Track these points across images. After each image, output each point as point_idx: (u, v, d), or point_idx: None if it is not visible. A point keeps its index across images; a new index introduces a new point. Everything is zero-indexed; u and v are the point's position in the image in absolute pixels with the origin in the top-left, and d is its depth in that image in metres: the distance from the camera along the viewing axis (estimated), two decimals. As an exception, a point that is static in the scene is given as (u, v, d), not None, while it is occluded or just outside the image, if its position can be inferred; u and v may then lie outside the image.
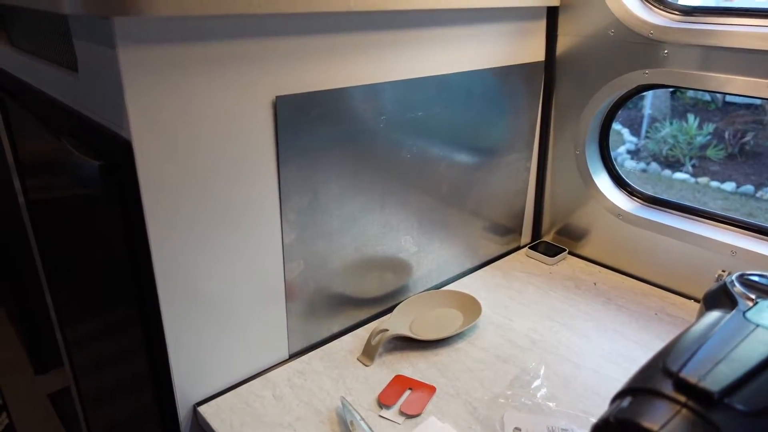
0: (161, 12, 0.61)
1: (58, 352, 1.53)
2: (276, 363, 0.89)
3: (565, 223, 1.25)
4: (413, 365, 0.88)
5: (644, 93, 1.10)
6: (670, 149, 4.75)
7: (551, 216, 1.27)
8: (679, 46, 0.97)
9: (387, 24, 0.84)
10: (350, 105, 0.84)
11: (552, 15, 1.11)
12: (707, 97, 4.81)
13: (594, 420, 0.76)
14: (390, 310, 0.99)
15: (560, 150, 1.20)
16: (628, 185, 1.16)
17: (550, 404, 0.80)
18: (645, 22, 1.00)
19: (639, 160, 4.87)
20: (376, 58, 0.85)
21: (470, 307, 1.00)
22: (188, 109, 0.68)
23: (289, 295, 0.87)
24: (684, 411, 0.45)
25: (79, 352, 1.31)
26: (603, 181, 1.17)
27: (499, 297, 1.07)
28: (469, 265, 1.17)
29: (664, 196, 1.12)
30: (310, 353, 0.92)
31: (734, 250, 0.98)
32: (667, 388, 0.47)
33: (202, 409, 0.81)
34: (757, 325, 0.54)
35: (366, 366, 0.88)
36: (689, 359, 0.49)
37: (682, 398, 0.46)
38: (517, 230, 1.27)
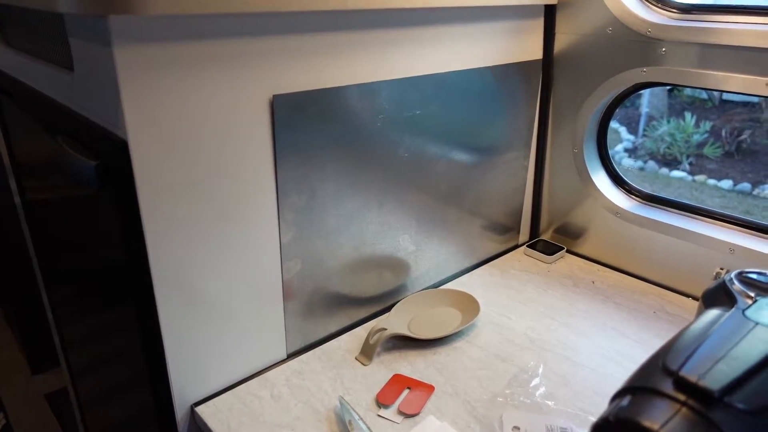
0: (157, 11, 0.60)
1: (54, 352, 1.52)
2: (274, 363, 0.89)
3: (563, 222, 1.25)
4: (411, 364, 0.88)
5: (641, 91, 1.10)
6: (668, 147, 4.76)
7: (549, 214, 1.27)
8: (677, 43, 0.97)
9: (384, 22, 0.84)
10: (347, 104, 0.83)
11: (549, 13, 1.11)
12: (704, 95, 4.82)
13: (593, 418, 0.76)
14: (388, 309, 0.99)
15: (558, 148, 1.20)
16: (626, 183, 1.16)
17: (549, 403, 0.80)
18: (643, 20, 1.00)
19: (636, 158, 4.88)
20: (373, 57, 0.84)
21: (468, 305, 1.00)
22: (185, 108, 0.68)
23: (287, 294, 0.87)
24: (684, 410, 0.45)
25: (76, 352, 1.30)
26: (601, 180, 1.17)
27: (498, 296, 1.07)
28: (467, 264, 1.17)
29: (662, 194, 1.12)
30: (308, 353, 0.91)
31: (733, 248, 0.99)
32: (667, 386, 0.47)
33: (199, 409, 0.80)
34: (757, 323, 0.54)
35: (364, 365, 0.88)
36: (689, 358, 0.49)
37: (682, 397, 0.46)
38: (515, 229, 1.26)
